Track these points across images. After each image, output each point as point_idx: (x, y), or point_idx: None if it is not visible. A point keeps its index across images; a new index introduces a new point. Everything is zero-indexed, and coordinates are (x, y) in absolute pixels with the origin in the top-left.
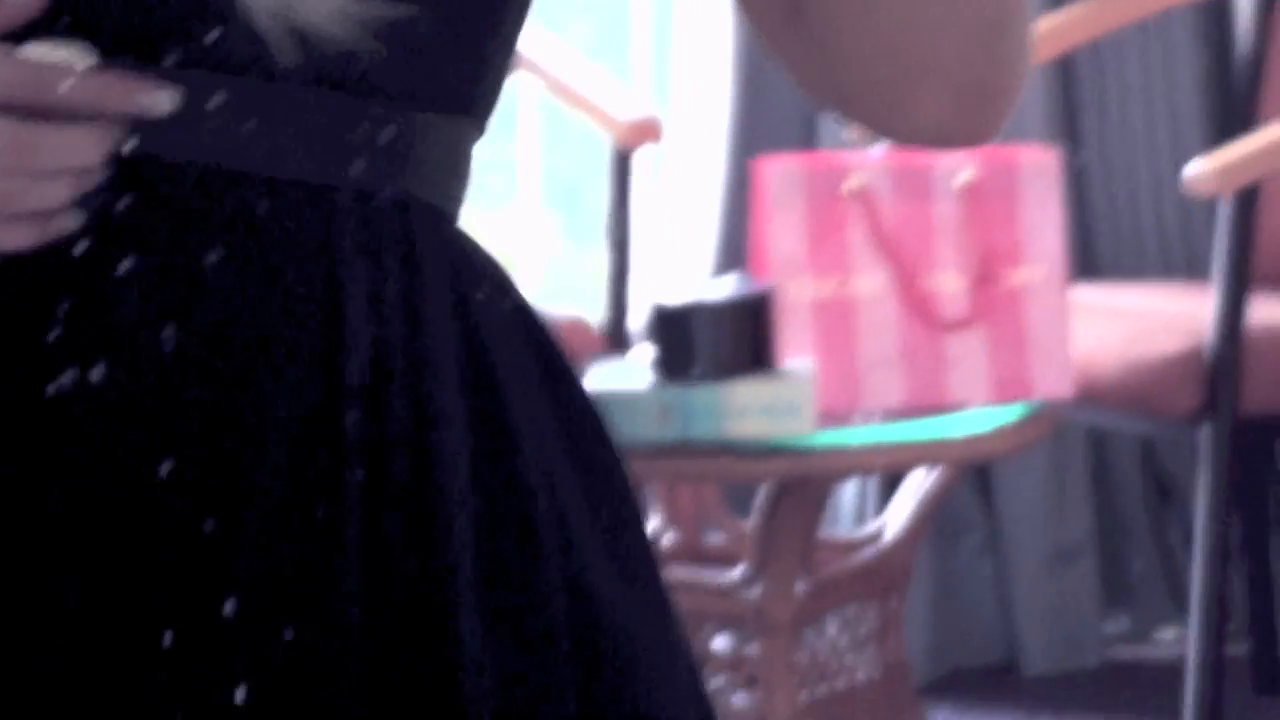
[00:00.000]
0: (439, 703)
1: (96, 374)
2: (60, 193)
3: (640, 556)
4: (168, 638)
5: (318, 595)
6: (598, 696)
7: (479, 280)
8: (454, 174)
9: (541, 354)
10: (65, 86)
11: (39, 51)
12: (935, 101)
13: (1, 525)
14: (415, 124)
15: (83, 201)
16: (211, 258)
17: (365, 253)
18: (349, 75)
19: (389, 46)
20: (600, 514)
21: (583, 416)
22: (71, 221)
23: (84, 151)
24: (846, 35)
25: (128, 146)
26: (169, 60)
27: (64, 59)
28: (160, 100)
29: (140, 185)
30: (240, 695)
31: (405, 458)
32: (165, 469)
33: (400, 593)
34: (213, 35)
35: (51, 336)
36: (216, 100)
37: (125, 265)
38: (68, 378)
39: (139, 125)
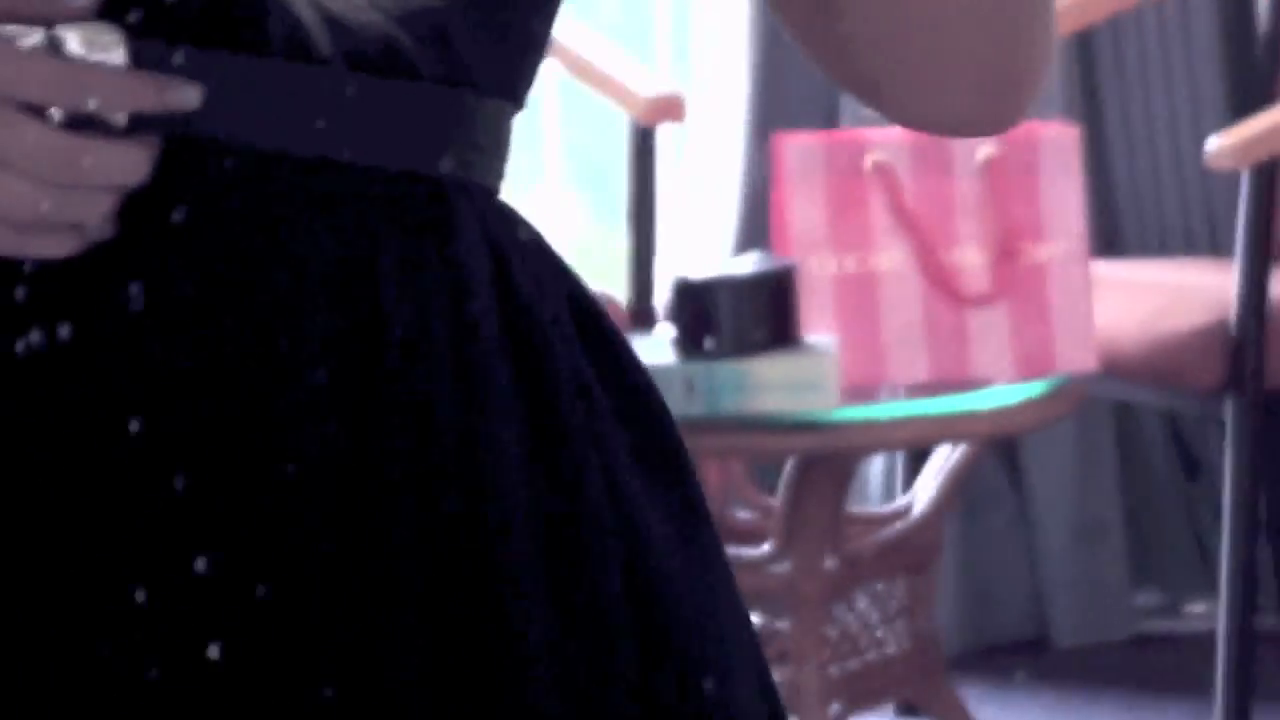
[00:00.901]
0: (500, 691)
1: (64, 332)
2: (102, 206)
3: (700, 522)
4: (139, 594)
5: (352, 571)
6: (662, 682)
7: (520, 251)
8: (493, 153)
9: (587, 322)
10: (104, 87)
11: (81, 34)
12: (956, 89)
13: None
14: (450, 103)
15: None
16: (176, 217)
17: (401, 226)
18: (385, 61)
19: (421, 33)
20: (656, 478)
21: (630, 377)
22: (108, 231)
23: (129, 168)
24: (868, 21)
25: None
26: (132, 18)
27: (105, 43)
28: (189, 96)
29: None
30: (214, 652)
31: (452, 430)
32: (134, 426)
33: (451, 574)
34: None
35: (18, 296)
36: (177, 60)
37: None
38: (35, 336)
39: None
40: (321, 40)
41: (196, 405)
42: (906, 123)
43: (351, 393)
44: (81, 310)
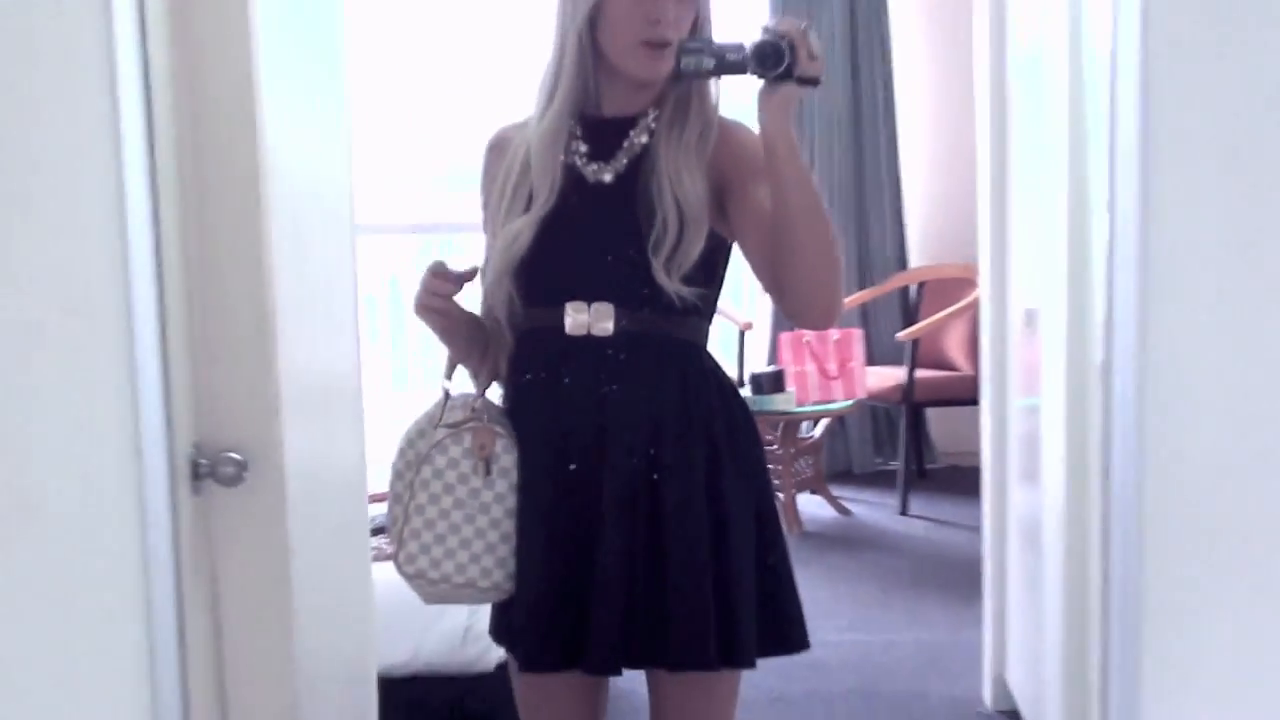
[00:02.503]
0: (727, 542)
1: (567, 380)
2: (444, 301)
3: (755, 468)
4: (616, 511)
5: (693, 492)
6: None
7: (717, 370)
8: (708, 334)
9: (728, 386)
10: (443, 284)
11: (575, 310)
12: (815, 313)
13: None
14: (701, 324)
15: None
16: (610, 351)
17: (686, 356)
18: (690, 307)
19: (694, 301)
20: (755, 446)
21: (744, 410)
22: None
23: (449, 289)
24: (788, 291)
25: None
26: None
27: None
28: (468, 274)
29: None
30: (644, 506)
31: (726, 449)
32: (620, 451)
33: (708, 529)
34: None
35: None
36: (613, 315)
37: (608, 391)
38: (560, 391)
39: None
40: (677, 300)
41: (642, 439)
42: (800, 326)
43: (685, 433)
44: (585, 393)
